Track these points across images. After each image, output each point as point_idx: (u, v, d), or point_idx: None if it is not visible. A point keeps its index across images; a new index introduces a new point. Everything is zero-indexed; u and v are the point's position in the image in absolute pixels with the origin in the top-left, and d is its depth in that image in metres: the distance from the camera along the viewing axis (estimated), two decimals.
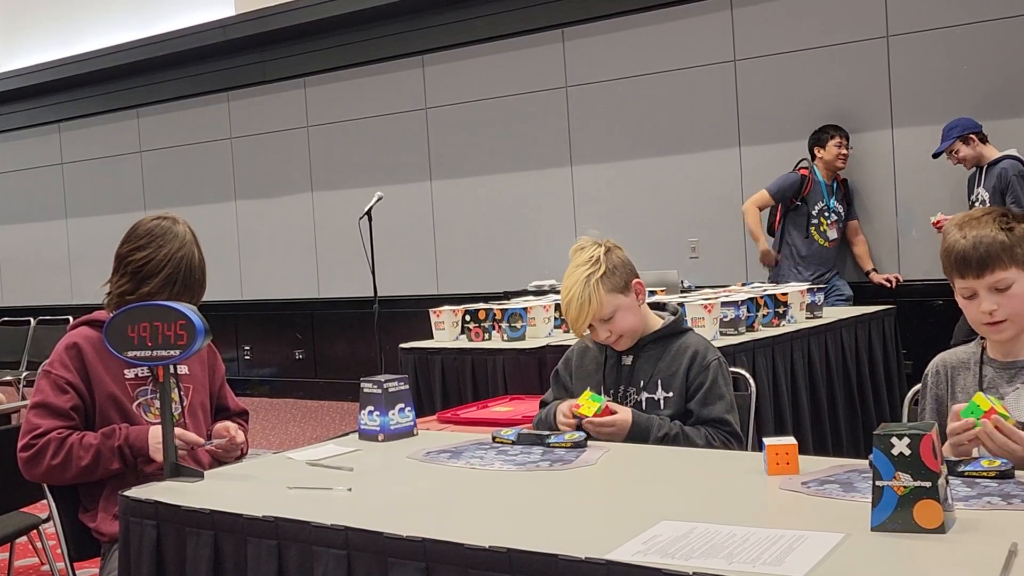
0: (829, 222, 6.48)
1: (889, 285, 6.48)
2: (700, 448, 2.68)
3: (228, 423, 2.91)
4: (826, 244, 6.50)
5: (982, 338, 2.43)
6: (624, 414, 2.69)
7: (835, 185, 6.55)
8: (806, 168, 6.52)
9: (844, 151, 6.50)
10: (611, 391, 2.87)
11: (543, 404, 3.01)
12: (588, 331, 2.84)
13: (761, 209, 6.64)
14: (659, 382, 2.81)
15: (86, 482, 2.79)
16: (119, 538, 2.32)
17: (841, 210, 6.55)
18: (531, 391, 4.28)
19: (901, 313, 5.62)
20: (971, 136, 5.87)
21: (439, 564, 1.79)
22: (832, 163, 6.48)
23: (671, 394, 2.80)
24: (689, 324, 4.21)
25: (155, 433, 2.71)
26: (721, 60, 7.30)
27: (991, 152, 5.87)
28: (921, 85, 6.56)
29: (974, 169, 5.96)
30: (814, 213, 6.46)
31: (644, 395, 2.82)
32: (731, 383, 2.86)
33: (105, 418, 2.79)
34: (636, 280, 2.85)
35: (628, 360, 2.88)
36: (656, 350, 2.86)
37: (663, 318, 2.93)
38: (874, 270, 6.60)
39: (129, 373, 2.84)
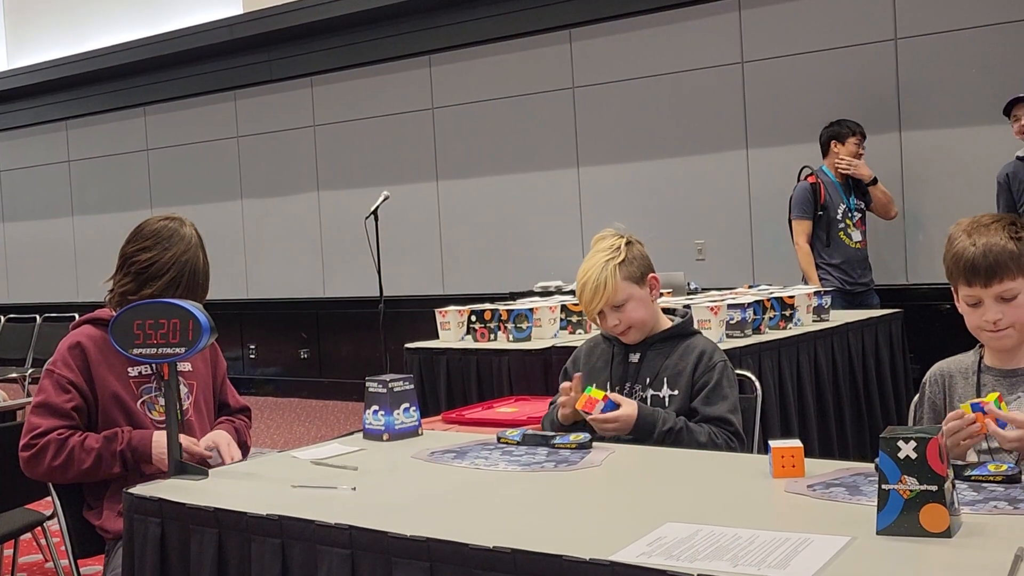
0: (854, 222, 6.13)
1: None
2: (702, 444, 2.69)
3: (221, 436, 2.87)
4: (854, 245, 6.13)
5: (981, 345, 2.41)
6: (628, 408, 2.70)
7: (849, 181, 6.20)
8: (813, 174, 6.16)
9: (861, 150, 6.14)
10: (617, 388, 2.90)
11: (552, 404, 3.03)
12: (598, 317, 2.89)
13: (809, 239, 6.11)
14: (665, 380, 2.85)
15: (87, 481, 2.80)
16: (123, 535, 2.32)
17: (863, 205, 6.21)
18: (536, 392, 4.28)
19: (908, 317, 5.60)
20: None
21: (443, 564, 1.78)
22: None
23: (676, 392, 2.83)
24: (695, 326, 4.23)
25: (159, 440, 2.70)
26: (729, 62, 7.29)
27: None
28: (929, 88, 6.54)
29: (1013, 165, 5.65)
30: (838, 217, 6.09)
31: (650, 392, 2.85)
32: (736, 386, 2.89)
33: (108, 417, 2.78)
34: (652, 275, 2.92)
35: (635, 358, 2.91)
36: (664, 349, 2.90)
37: (673, 320, 2.98)
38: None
39: (133, 371, 2.84)
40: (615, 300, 2.83)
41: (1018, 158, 5.67)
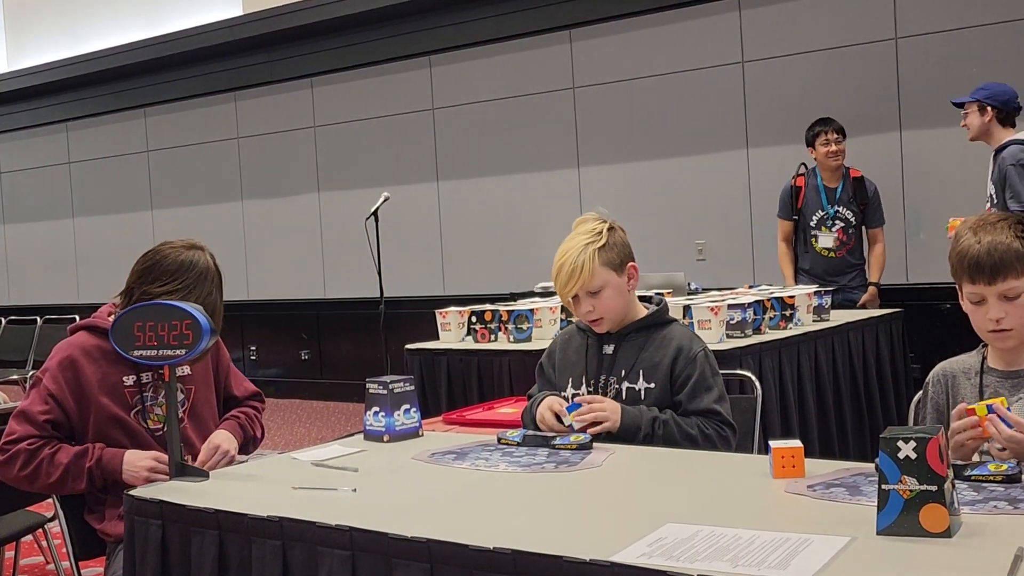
0: (832, 231, 6.02)
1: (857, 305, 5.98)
2: (691, 435, 2.66)
3: (219, 436, 2.86)
4: (829, 254, 6.04)
5: (984, 346, 2.41)
6: (610, 403, 2.68)
7: (841, 187, 6.07)
8: (802, 175, 6.11)
9: (833, 147, 5.98)
10: (592, 381, 2.84)
11: (529, 397, 3.00)
12: (572, 302, 2.82)
13: (787, 237, 6.15)
14: (641, 372, 2.78)
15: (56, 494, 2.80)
16: (124, 537, 2.32)
17: (849, 215, 6.05)
18: None
19: (909, 316, 5.60)
20: (989, 108, 5.21)
21: (443, 565, 1.79)
22: (824, 163, 6.03)
23: (653, 385, 2.76)
24: (696, 326, 4.23)
25: (130, 458, 2.70)
26: (729, 62, 7.29)
27: (1002, 136, 5.18)
28: (930, 87, 6.54)
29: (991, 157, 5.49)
30: (813, 224, 6.04)
31: (625, 385, 2.79)
32: (719, 373, 2.82)
33: (102, 430, 2.77)
34: (631, 264, 2.84)
35: (610, 349, 2.84)
36: (639, 339, 2.83)
37: (648, 308, 2.91)
38: (875, 284, 6.09)
39: (128, 380, 2.81)
40: (591, 286, 2.75)
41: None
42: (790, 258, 6.16)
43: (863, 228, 6.16)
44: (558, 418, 2.71)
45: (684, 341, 2.80)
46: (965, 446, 2.17)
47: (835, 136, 6.05)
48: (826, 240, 6.06)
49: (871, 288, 6.12)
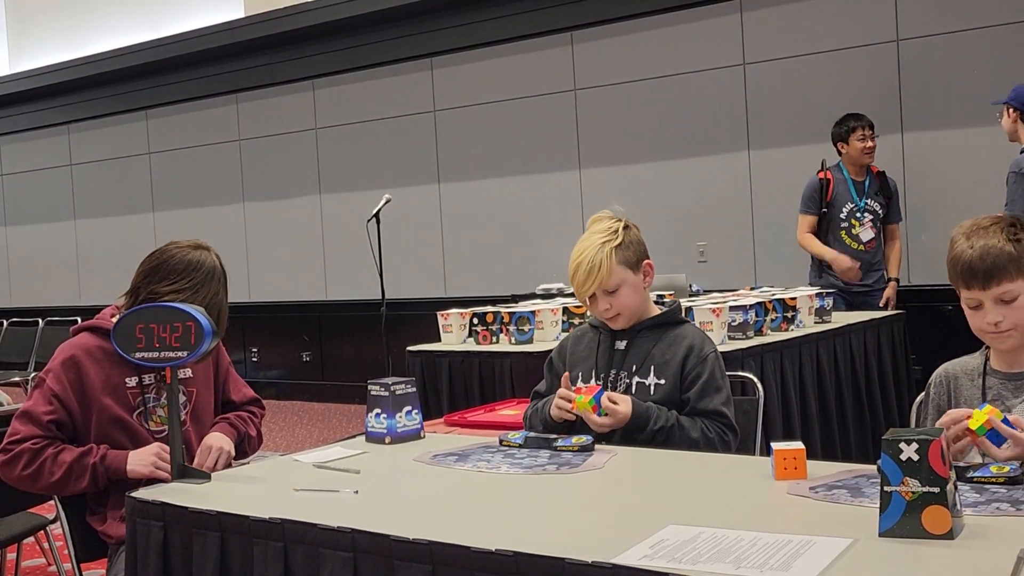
0: (863, 223, 6.00)
1: (882, 305, 6.01)
2: (694, 439, 2.67)
3: (213, 438, 2.85)
4: (859, 247, 6.00)
5: (987, 348, 2.41)
6: (624, 406, 2.66)
7: (868, 181, 6.06)
8: (828, 169, 6.06)
9: (869, 143, 5.97)
10: (603, 375, 2.86)
11: (536, 395, 3.00)
12: (589, 300, 2.84)
13: (812, 230, 6.06)
14: (652, 368, 2.80)
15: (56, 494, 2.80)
16: (126, 539, 2.32)
17: (877, 207, 6.05)
18: None
19: (910, 318, 5.60)
20: (1011, 110, 5.30)
21: (445, 567, 1.79)
22: (858, 159, 6.00)
23: (663, 381, 2.78)
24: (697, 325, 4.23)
25: (135, 456, 2.70)
26: (730, 63, 7.29)
27: None
28: (932, 89, 6.54)
29: None
30: (843, 216, 5.98)
31: (635, 379, 2.80)
32: (726, 375, 2.84)
33: (103, 430, 2.76)
34: (647, 261, 2.87)
35: (622, 345, 2.87)
36: (652, 336, 2.85)
37: (662, 308, 2.93)
38: (895, 280, 6.14)
39: (131, 381, 2.81)
40: (608, 284, 2.78)
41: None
42: (816, 241, 6.04)
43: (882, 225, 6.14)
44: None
45: (696, 341, 2.82)
46: (960, 442, 2.16)
47: (870, 132, 6.03)
48: (863, 233, 6.01)
49: (892, 284, 6.12)
